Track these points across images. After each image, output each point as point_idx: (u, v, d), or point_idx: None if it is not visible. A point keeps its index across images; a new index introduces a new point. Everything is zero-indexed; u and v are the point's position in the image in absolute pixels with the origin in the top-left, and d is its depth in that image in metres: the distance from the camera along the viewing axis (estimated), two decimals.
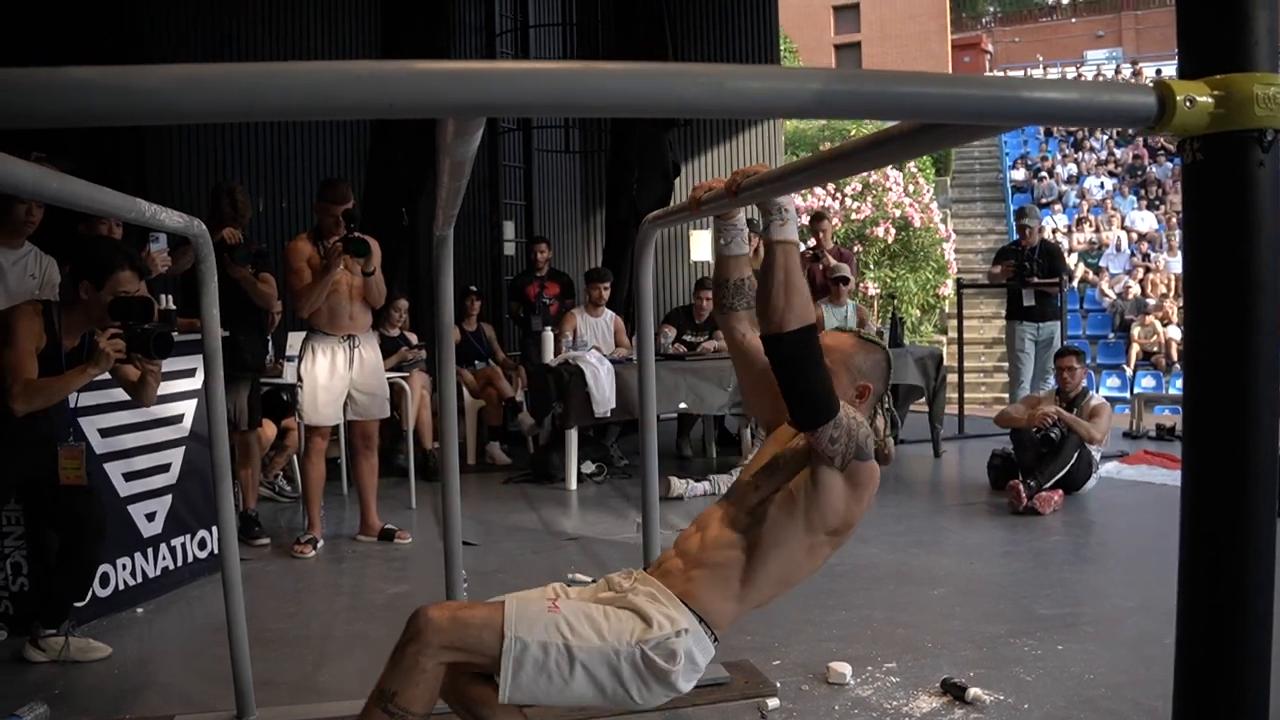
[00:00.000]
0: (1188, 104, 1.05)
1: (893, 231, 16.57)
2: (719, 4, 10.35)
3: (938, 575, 4.92)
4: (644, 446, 3.61)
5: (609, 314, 7.90)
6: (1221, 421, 1.06)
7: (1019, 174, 23.44)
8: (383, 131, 8.41)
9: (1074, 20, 33.35)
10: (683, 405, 7.06)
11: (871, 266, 16.45)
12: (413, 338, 7.67)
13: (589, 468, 7.23)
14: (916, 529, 5.92)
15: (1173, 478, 6.80)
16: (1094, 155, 23.81)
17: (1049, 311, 8.96)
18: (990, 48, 31.64)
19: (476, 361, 8.19)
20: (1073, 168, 23.45)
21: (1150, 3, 32.37)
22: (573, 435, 6.98)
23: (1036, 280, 8.90)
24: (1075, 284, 18.85)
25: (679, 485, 6.63)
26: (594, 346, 7.33)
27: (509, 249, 9.51)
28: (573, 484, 6.99)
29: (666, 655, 2.19)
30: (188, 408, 4.96)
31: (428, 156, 8.59)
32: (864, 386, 2.39)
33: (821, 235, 9.02)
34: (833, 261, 8.76)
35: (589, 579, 4.59)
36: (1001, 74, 29.23)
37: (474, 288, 8.39)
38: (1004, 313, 9.60)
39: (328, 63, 0.92)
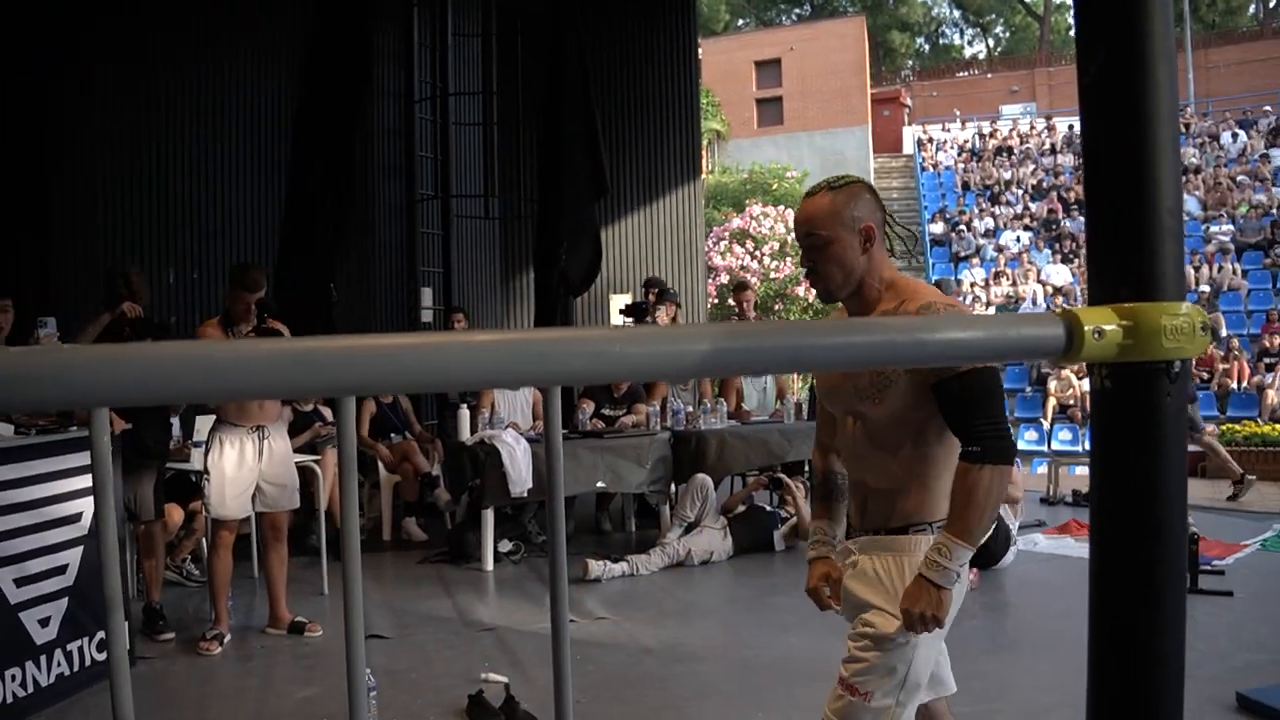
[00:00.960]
0: (1096, 335, 1.04)
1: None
2: (641, 63, 10.40)
3: None
4: (552, 539, 3.43)
5: (528, 388, 7.82)
6: (1129, 639, 1.06)
7: (937, 227, 23.82)
8: (302, 204, 8.29)
9: (990, 76, 34.15)
10: (600, 484, 7.00)
11: None
12: (326, 413, 7.53)
13: (506, 546, 7.12)
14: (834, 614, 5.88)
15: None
16: (1011, 209, 24.29)
17: None
18: (909, 101, 32.24)
19: (392, 435, 8.05)
20: (990, 221, 23.89)
21: (1062, 60, 33.23)
22: (489, 514, 6.88)
23: None
24: None
25: (596, 567, 6.55)
26: (511, 423, 7.25)
27: (426, 317, 9.40)
28: (489, 564, 6.88)
29: None
30: (85, 505, 4.78)
31: (352, 227, 8.51)
32: (866, 229, 2.38)
33: (745, 305, 9.07)
34: None
35: (503, 679, 4.49)
36: (922, 129, 29.79)
37: None
38: None
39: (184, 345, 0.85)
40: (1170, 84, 1.09)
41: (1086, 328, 1.03)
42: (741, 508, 7.41)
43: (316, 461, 6.64)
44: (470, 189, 9.63)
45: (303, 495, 5.82)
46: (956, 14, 41.58)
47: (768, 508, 7.50)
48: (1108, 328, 1.04)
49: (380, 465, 7.80)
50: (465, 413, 7.21)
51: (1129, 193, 1.06)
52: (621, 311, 9.10)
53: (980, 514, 2.23)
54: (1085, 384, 17.06)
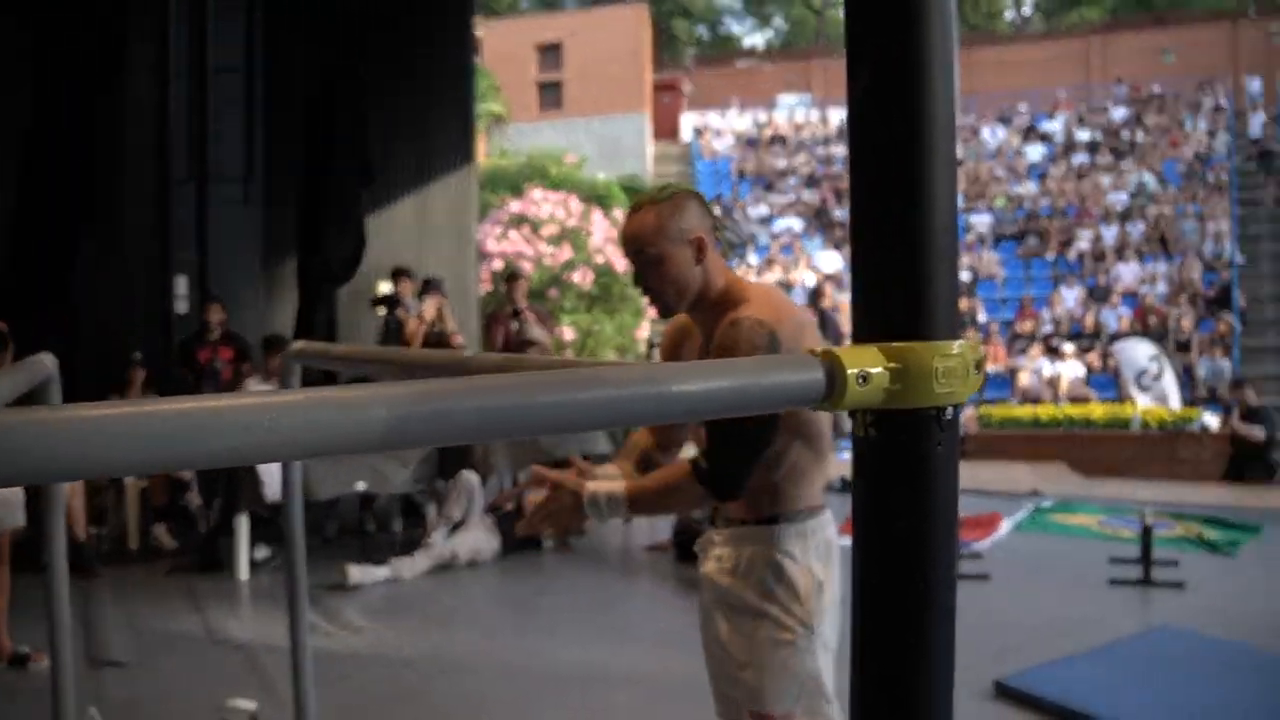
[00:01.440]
0: (860, 380, 0.94)
1: (592, 276, 16.65)
2: (414, 43, 10.03)
3: (630, 674, 4.77)
4: (290, 546, 3.17)
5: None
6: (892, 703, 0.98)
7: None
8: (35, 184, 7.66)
9: (767, 66, 34.96)
10: (361, 484, 6.76)
11: (567, 309, 16.48)
12: None
13: (262, 553, 6.78)
14: (605, 612, 5.85)
15: None
16: (784, 197, 24.95)
17: None
18: (689, 89, 32.67)
19: None
20: (764, 209, 24.49)
21: (838, 53, 34.31)
22: (243, 519, 6.54)
23: None
24: None
25: (357, 573, 6.30)
26: None
27: (181, 307, 8.86)
28: (243, 574, 6.54)
29: None
30: None
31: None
32: (697, 240, 2.31)
33: (516, 295, 8.92)
34: (530, 320, 8.66)
35: (250, 706, 4.24)
36: (700, 117, 30.22)
37: (138, 355, 7.75)
38: None
39: None
40: (947, 95, 1.00)
41: (850, 371, 0.93)
42: (510, 505, 7.29)
43: None
44: (231, 172, 9.12)
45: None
46: (738, 3, 42.50)
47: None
48: (873, 371, 0.94)
49: None
50: None
51: (897, 215, 0.97)
52: (373, 302, 8.81)
53: (659, 504, 2.36)
54: None
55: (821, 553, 2.36)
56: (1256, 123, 21.56)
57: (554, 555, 7.25)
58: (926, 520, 0.95)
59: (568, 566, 7.09)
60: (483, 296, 13.40)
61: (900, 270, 0.96)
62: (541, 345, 8.43)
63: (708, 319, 2.35)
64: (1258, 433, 10.54)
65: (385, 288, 9.35)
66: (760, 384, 0.96)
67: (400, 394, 0.82)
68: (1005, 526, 7.80)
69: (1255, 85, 24.13)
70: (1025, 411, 14.10)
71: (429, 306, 8.53)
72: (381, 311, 8.69)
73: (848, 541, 1.02)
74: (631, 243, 2.31)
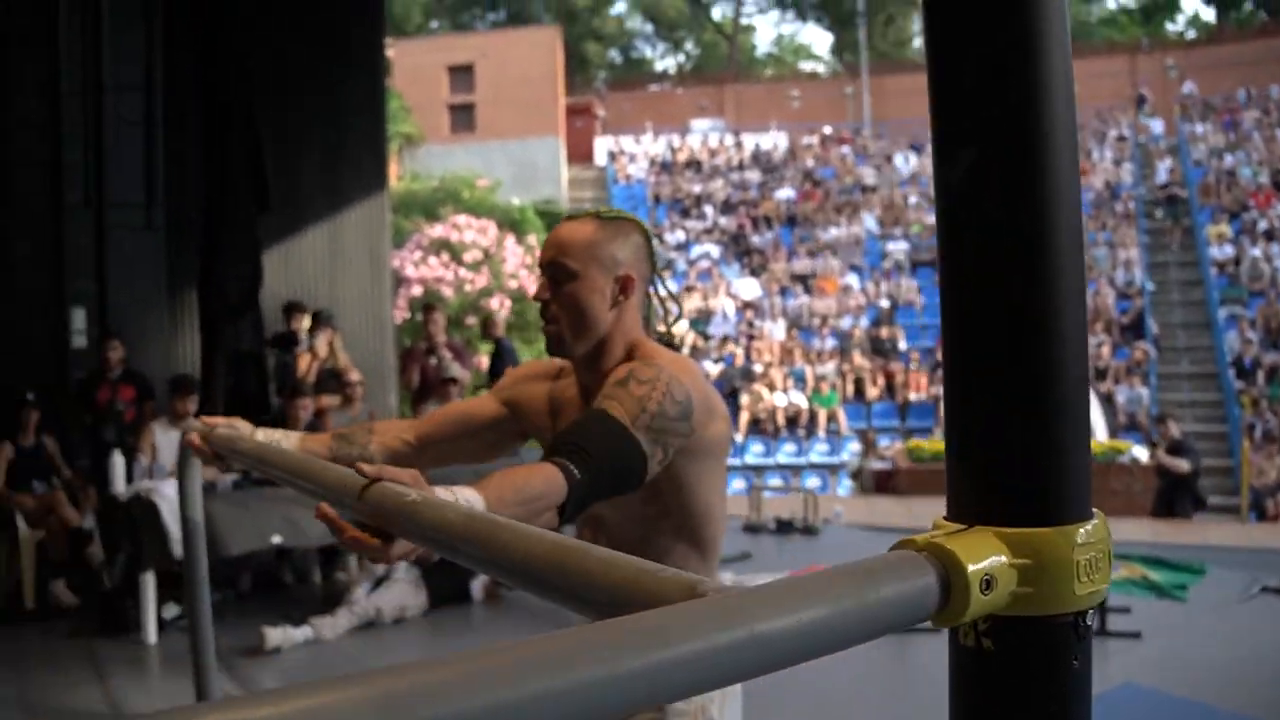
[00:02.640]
0: (984, 587, 0.65)
1: (509, 303, 16.26)
2: (322, 62, 9.50)
3: None
4: (193, 612, 2.77)
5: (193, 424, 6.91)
6: None
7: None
8: None
9: (680, 90, 34.89)
10: (277, 538, 6.21)
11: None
12: None
13: (171, 611, 6.20)
14: None
15: None
16: (701, 223, 24.79)
17: None
18: (602, 113, 32.42)
19: (35, 482, 6.95)
20: (681, 234, 24.29)
21: (749, 79, 34.46)
22: (149, 576, 5.97)
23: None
24: (686, 351, 19.42)
25: (275, 636, 5.76)
26: (173, 470, 6.34)
27: (78, 341, 8.20)
28: (151, 635, 5.95)
29: None
30: None
31: None
32: (625, 278, 1.92)
33: (433, 328, 8.54)
34: (448, 357, 8.28)
35: None
36: (614, 141, 29.96)
37: (30, 395, 7.11)
38: None
39: None
40: (1073, 194, 0.71)
41: (971, 570, 0.65)
42: (436, 556, 6.79)
43: None
44: (130, 195, 8.49)
45: None
46: (649, 27, 42.38)
47: None
48: (996, 567, 0.66)
49: (20, 519, 6.68)
50: (119, 460, 6.23)
51: (1016, 351, 0.69)
52: (269, 343, 8.35)
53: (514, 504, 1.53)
54: (777, 397, 17.50)
55: None
56: (1163, 168, 21.97)
57: (483, 608, 6.81)
58: None
59: (499, 620, 6.66)
60: (400, 325, 12.91)
61: (1022, 426, 0.69)
62: (460, 384, 8.03)
63: (594, 381, 1.91)
64: (1184, 465, 10.52)
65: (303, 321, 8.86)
66: (863, 604, 0.65)
67: (400, 690, 0.52)
68: None
69: (1157, 126, 24.54)
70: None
71: (321, 342, 8.08)
72: (277, 351, 8.28)
73: None
74: (552, 249, 1.92)
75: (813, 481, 14.36)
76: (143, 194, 8.50)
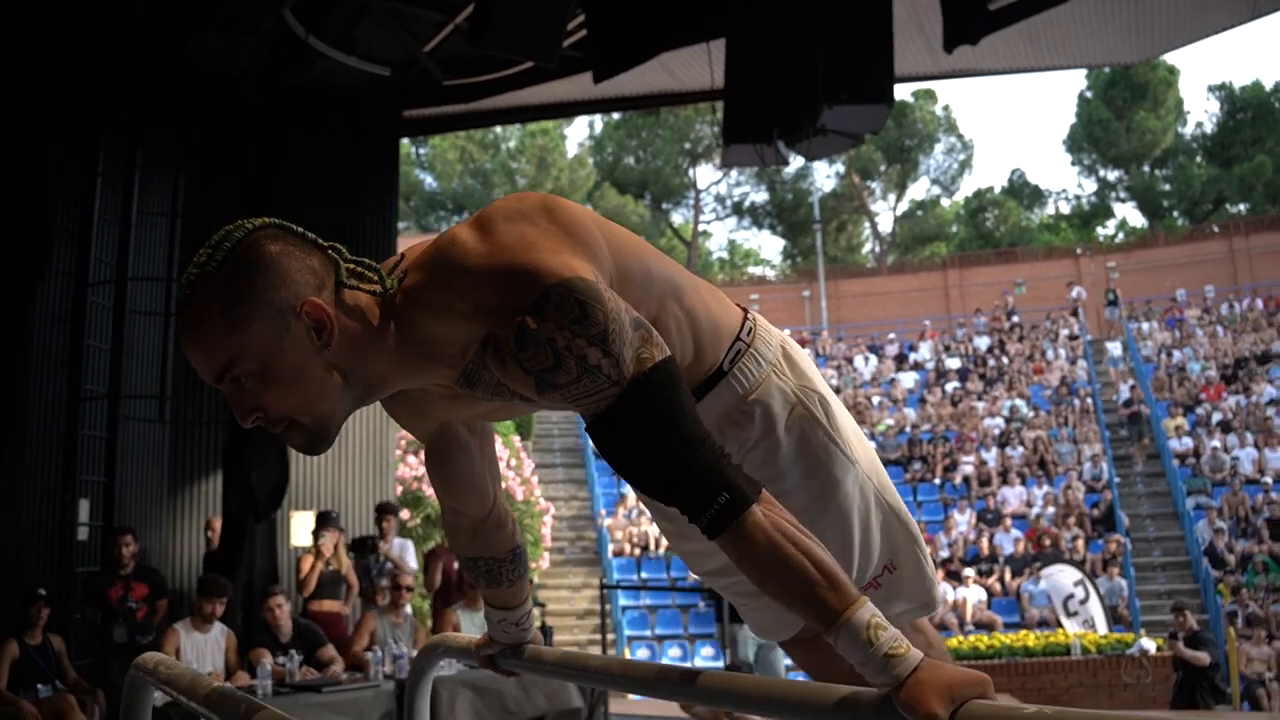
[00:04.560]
0: None
1: None
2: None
3: None
4: None
5: (219, 628, 6.58)
6: None
7: (506, 419, 23.82)
8: None
9: None
10: None
11: None
12: None
13: None
14: None
15: None
16: None
17: None
18: None
19: (40, 685, 6.51)
20: None
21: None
22: None
23: None
24: (662, 553, 19.15)
25: None
26: (206, 674, 6.00)
27: (82, 534, 7.87)
28: None
29: None
30: None
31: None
32: (308, 311, 1.46)
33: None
34: None
35: None
36: None
37: (42, 591, 6.76)
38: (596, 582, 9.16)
39: None
40: None
41: None
42: None
43: None
44: (143, 387, 8.33)
45: None
46: None
47: None
48: None
49: None
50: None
51: None
52: (350, 548, 8.14)
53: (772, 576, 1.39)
54: None
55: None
56: (1125, 388, 22.54)
57: None
58: None
59: None
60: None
61: None
62: None
63: (367, 392, 1.56)
64: (1204, 657, 10.41)
65: (307, 519, 8.65)
66: None
67: None
68: None
69: (1115, 349, 25.15)
70: (963, 643, 13.68)
71: (327, 543, 7.86)
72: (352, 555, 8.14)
73: None
74: (210, 365, 1.45)
75: None
76: (156, 386, 8.33)
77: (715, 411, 1.76)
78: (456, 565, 8.05)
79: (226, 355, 1.44)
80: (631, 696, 8.66)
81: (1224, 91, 38.31)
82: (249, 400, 1.48)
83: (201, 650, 6.35)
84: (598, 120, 39.63)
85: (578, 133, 58.80)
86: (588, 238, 1.52)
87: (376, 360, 1.52)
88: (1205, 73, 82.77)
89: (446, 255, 1.50)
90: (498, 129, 35.31)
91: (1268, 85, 37.56)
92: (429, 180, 39.05)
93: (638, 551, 18.59)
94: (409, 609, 7.60)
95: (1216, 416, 21.11)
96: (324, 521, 8.09)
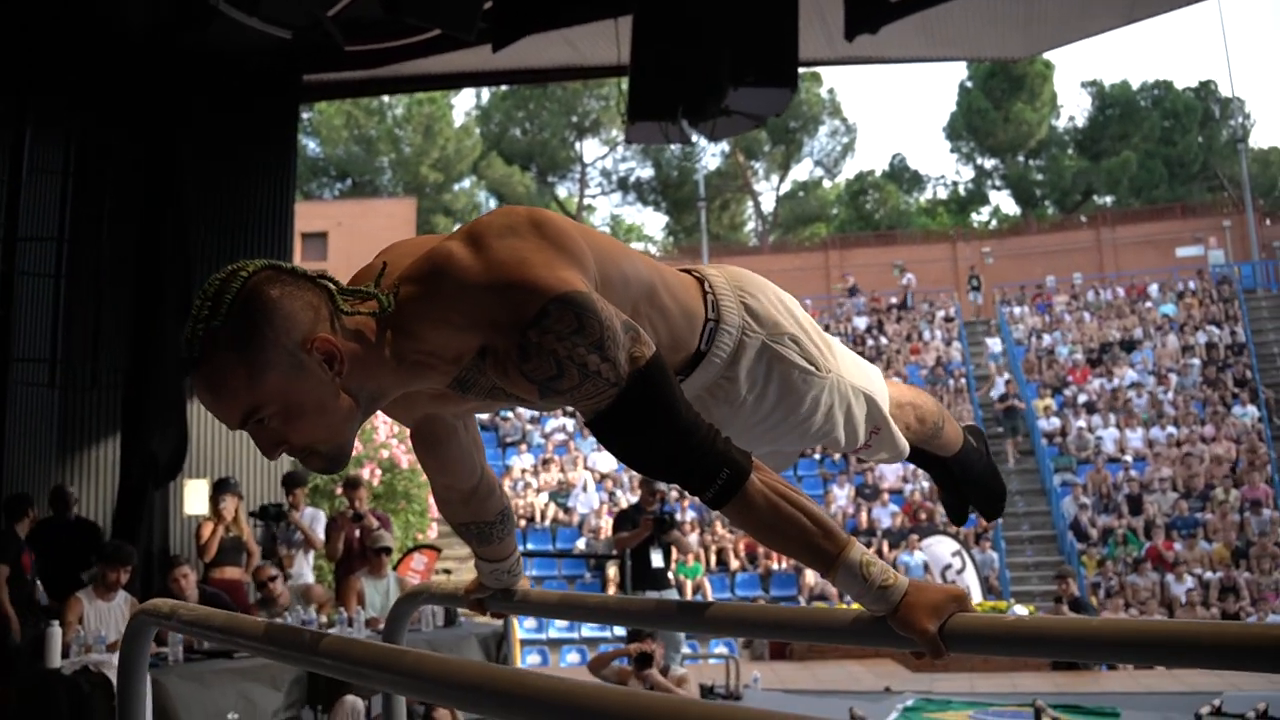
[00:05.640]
0: None
1: (379, 473, 15.91)
2: (237, 229, 9.35)
3: None
4: None
5: (123, 596, 6.47)
6: None
7: (484, 414, 23.83)
8: None
9: None
10: (233, 715, 5.81)
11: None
12: None
13: None
14: None
15: None
16: None
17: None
18: None
19: None
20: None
21: None
22: None
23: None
24: (548, 525, 19.29)
25: None
26: (111, 643, 5.90)
27: None
28: None
29: None
30: None
31: None
32: (319, 346, 1.52)
33: (358, 501, 8.35)
34: (374, 525, 8.07)
35: None
36: None
37: None
38: None
39: None
40: None
41: None
42: None
43: None
44: (33, 350, 8.08)
45: None
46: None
47: None
48: None
49: None
50: (56, 631, 5.74)
51: None
52: (253, 515, 8.05)
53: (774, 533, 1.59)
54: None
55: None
56: (1000, 382, 23.10)
57: None
58: None
59: None
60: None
61: None
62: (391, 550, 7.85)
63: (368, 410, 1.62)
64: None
65: (201, 487, 8.55)
66: None
67: None
68: None
69: (996, 346, 25.71)
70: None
71: (228, 507, 7.80)
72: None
73: None
74: (235, 414, 1.51)
75: (720, 649, 14.20)
76: (48, 350, 8.11)
77: (701, 385, 1.91)
78: (359, 534, 8.04)
79: (250, 404, 1.50)
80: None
81: (1095, 88, 39.84)
82: (273, 437, 1.55)
83: (105, 618, 6.22)
84: (485, 90, 39.37)
85: (465, 102, 58.24)
86: (575, 249, 1.62)
87: (380, 376, 1.60)
88: (1079, 69, 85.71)
89: (442, 270, 1.57)
90: (385, 96, 34.76)
91: (1135, 85, 39.20)
92: (313, 145, 38.33)
93: (523, 523, 18.69)
94: (310, 575, 7.57)
95: (1082, 398, 22.02)
96: (223, 487, 8.01)
